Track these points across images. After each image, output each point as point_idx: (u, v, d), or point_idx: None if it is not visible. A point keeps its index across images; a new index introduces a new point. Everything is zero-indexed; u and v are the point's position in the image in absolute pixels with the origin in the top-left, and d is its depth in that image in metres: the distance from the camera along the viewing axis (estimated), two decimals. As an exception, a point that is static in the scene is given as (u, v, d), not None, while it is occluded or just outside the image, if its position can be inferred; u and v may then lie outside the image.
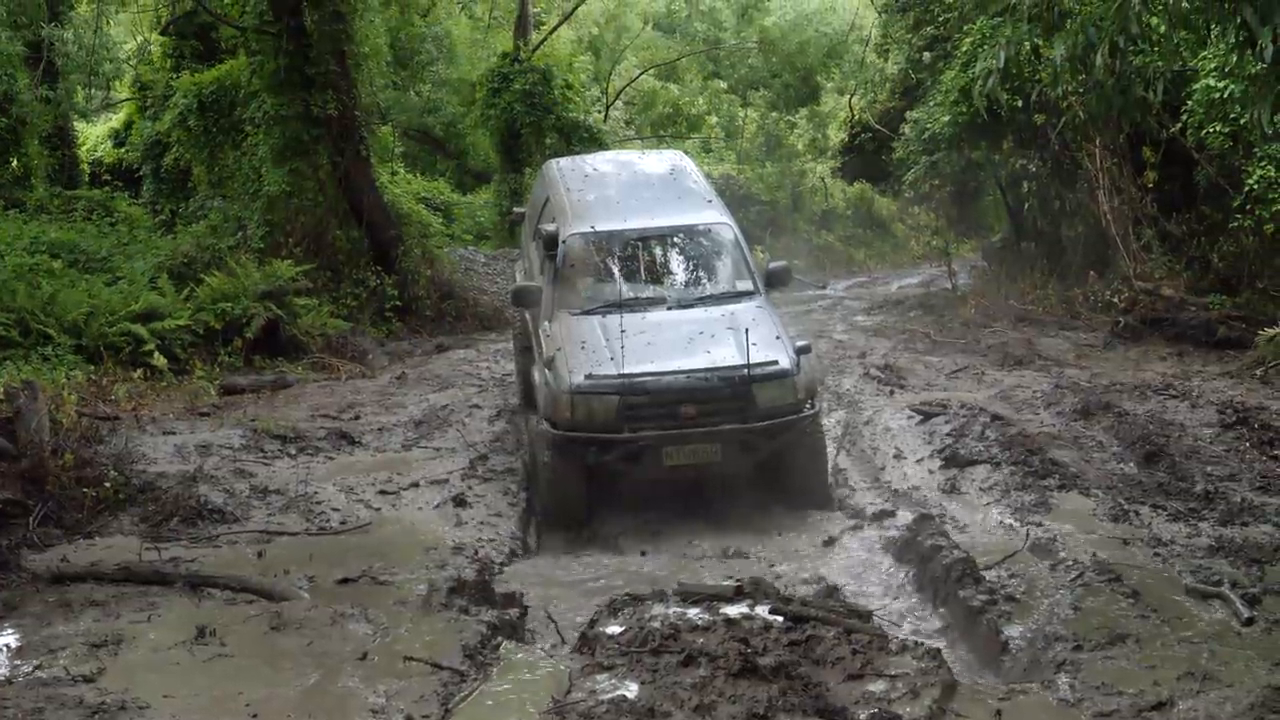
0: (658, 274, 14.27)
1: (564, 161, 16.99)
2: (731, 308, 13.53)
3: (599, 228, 14.20)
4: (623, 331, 12.77)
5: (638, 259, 14.25)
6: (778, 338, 13.00)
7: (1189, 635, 8.46)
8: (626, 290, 13.70)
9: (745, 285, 14.07)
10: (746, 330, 12.55)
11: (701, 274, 14.40)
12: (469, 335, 24.62)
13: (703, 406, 12.36)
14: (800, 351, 12.83)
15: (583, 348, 12.80)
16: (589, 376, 12.40)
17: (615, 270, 13.96)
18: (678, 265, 14.53)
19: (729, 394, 12.41)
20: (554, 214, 14.84)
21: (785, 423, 12.53)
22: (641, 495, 12.78)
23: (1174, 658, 7.92)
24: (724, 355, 12.62)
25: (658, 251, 14.53)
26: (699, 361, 12.61)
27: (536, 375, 13.52)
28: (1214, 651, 8.02)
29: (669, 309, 13.59)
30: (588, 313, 13.44)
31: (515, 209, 20.81)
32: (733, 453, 12.44)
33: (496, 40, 43.35)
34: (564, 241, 14.10)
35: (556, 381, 12.56)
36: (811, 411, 12.89)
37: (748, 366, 12.32)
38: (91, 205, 28.00)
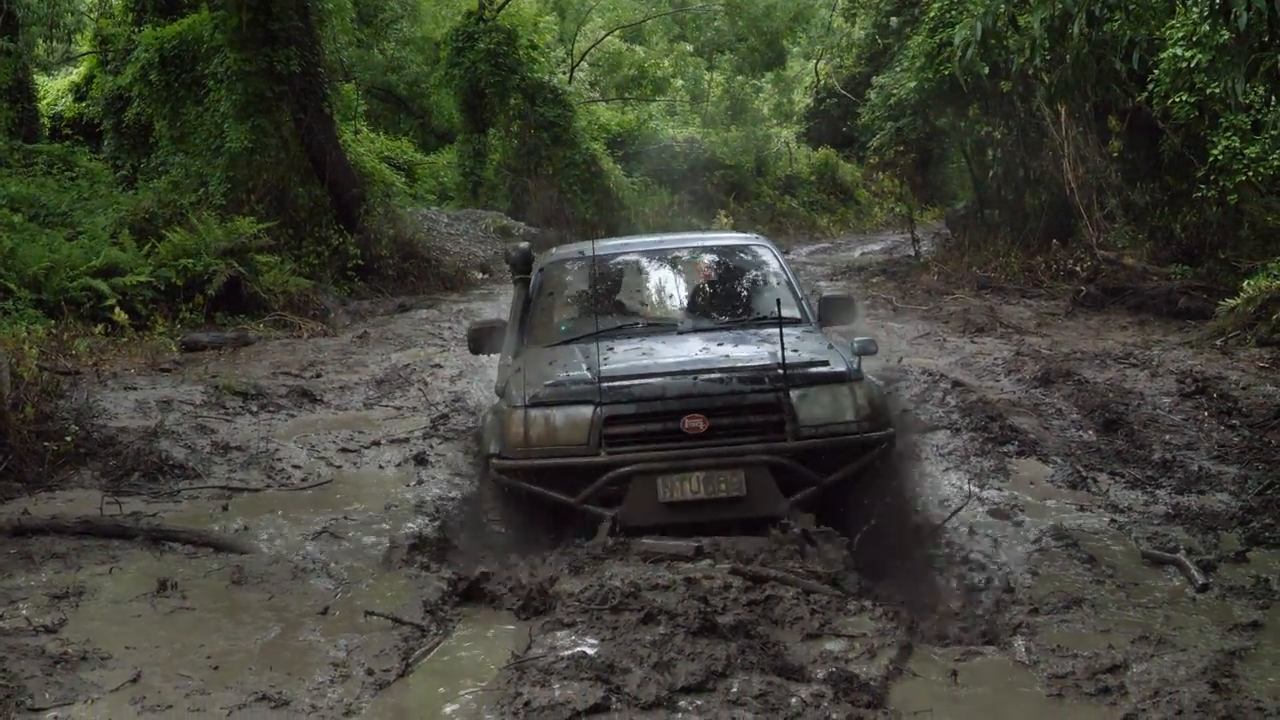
0: (666, 297, 11.13)
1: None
2: (768, 331, 9.85)
3: (588, 253, 11.06)
4: (610, 349, 9.60)
5: (640, 282, 11.22)
6: (830, 347, 9.74)
7: (1144, 600, 8.53)
8: (621, 317, 10.57)
9: (789, 312, 10.27)
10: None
11: (728, 297, 11.07)
12: (431, 295, 24.63)
13: (717, 420, 8.87)
14: (861, 352, 9.50)
15: (550, 365, 9.61)
16: (551, 384, 9.14)
17: (608, 295, 10.86)
18: (694, 287, 11.18)
19: (755, 403, 8.95)
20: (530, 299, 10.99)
21: (840, 444, 9.01)
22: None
23: (1129, 622, 7.98)
24: (750, 355, 9.39)
25: (667, 274, 11.28)
26: (713, 360, 9.28)
27: (488, 418, 10.12)
28: (1168, 617, 8.09)
29: (680, 333, 10.24)
30: (566, 343, 10.22)
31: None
32: (762, 486, 8.80)
33: (461, -1, 43.25)
34: (541, 269, 11.07)
35: (507, 401, 9.37)
36: (882, 434, 9.22)
37: (783, 366, 8.95)
38: (52, 160, 27.82)
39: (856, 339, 9.76)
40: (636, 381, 9.06)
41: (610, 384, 8.97)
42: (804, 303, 10.76)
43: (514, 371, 9.78)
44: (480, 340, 11.07)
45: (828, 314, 10.76)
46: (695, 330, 10.26)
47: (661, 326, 10.43)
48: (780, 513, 8.73)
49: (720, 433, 8.87)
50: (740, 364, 9.20)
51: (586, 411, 8.90)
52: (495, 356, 11.47)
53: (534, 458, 8.96)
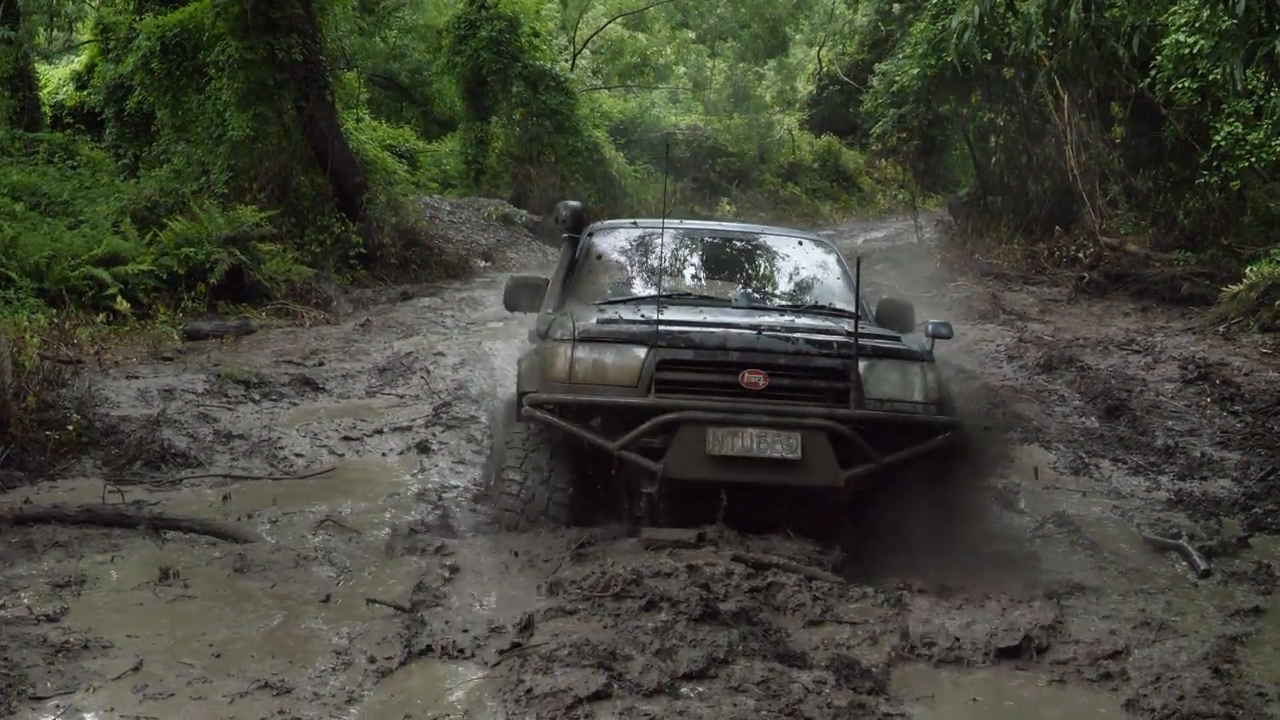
0: (723, 274, 10.61)
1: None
2: (828, 322, 9.36)
3: (641, 224, 10.92)
4: (665, 308, 8.87)
5: (696, 258, 10.71)
6: (899, 333, 9.47)
7: (1146, 586, 8.56)
8: (674, 285, 10.03)
9: (850, 309, 9.76)
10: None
11: (786, 283, 10.65)
12: (434, 283, 24.63)
13: (778, 379, 8.43)
14: (935, 335, 9.20)
15: (600, 311, 9.20)
16: (604, 321, 8.79)
17: (660, 265, 10.21)
18: (753, 268, 10.75)
19: (822, 366, 8.52)
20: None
21: (906, 423, 8.56)
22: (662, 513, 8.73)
23: (1130, 608, 8.00)
24: (817, 324, 9.08)
25: (725, 253, 10.87)
26: (779, 323, 8.91)
27: (523, 362, 9.73)
28: (1170, 602, 8.12)
29: (735, 307, 9.67)
30: (613, 304, 9.65)
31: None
32: (819, 452, 8.28)
33: (464, -14, 43.20)
34: (591, 232, 10.79)
35: (551, 337, 8.92)
36: (950, 420, 8.77)
37: (854, 334, 8.56)
38: (53, 148, 27.77)
39: (931, 321, 9.41)
40: (696, 329, 8.59)
41: (668, 327, 8.49)
42: (864, 305, 9.99)
43: (560, 314, 9.30)
44: (518, 296, 10.40)
45: (886, 316, 10.38)
46: (751, 308, 9.66)
47: (715, 301, 9.88)
48: (835, 484, 8.31)
49: (780, 393, 8.41)
50: (807, 325, 8.87)
51: (640, 352, 8.44)
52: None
53: (577, 394, 8.48)
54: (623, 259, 10.60)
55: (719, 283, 10.41)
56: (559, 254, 10.96)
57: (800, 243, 11.14)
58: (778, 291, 10.45)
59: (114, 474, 10.85)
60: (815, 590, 7.75)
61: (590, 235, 10.76)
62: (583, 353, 8.52)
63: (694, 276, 10.47)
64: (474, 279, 25.66)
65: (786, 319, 9.14)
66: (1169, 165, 22.03)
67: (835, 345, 8.55)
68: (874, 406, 8.47)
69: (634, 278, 10.32)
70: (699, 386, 8.43)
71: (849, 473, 8.31)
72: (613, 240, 10.79)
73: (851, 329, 8.66)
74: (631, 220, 11.36)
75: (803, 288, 10.53)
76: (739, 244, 10.97)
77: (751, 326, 8.67)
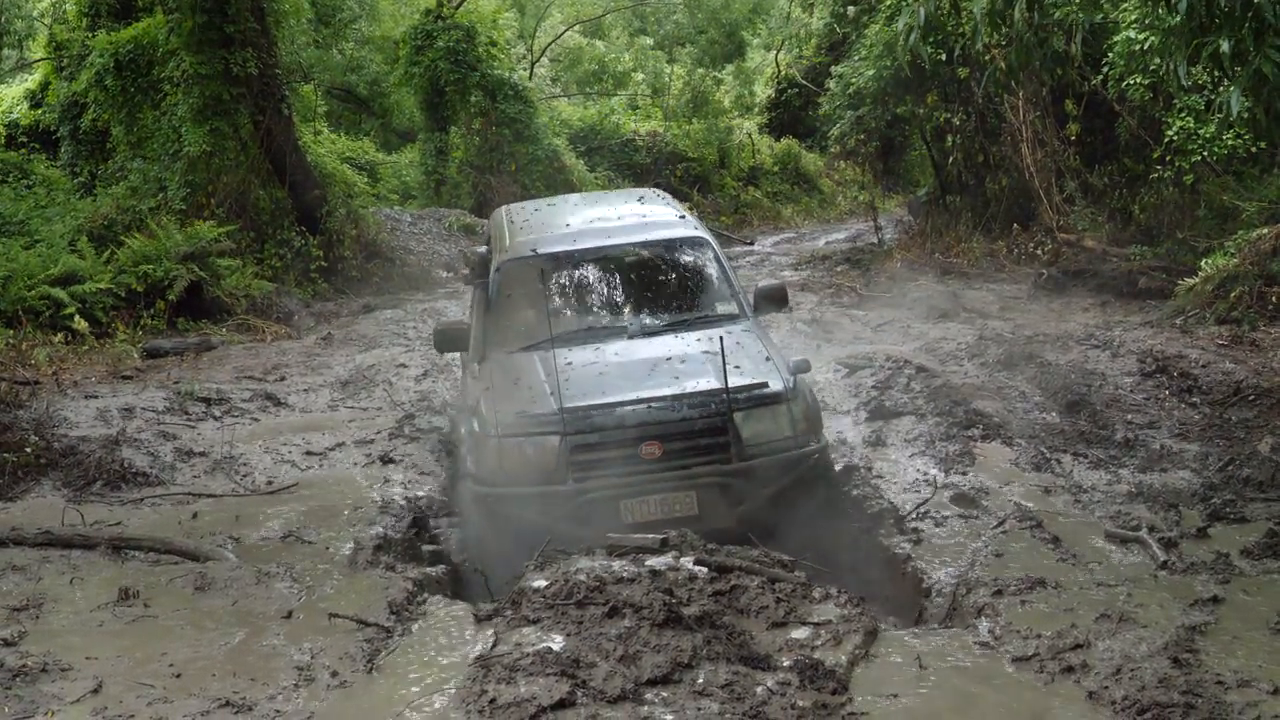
0: (615, 300, 11.69)
1: (514, 205, 14.27)
2: (711, 332, 10.70)
3: (541, 250, 11.69)
4: (569, 364, 10.42)
5: (590, 284, 11.79)
6: (768, 359, 10.56)
7: (1107, 579, 8.58)
8: (576, 321, 11.31)
9: (729, 308, 11.53)
10: (722, 341, 10.08)
11: (672, 297, 11.78)
12: (395, 295, 24.54)
13: (669, 445, 9.78)
14: (797, 370, 10.45)
15: (516, 385, 10.42)
16: (521, 415, 9.92)
17: (561, 300, 11.51)
18: (641, 288, 11.79)
19: (704, 427, 9.88)
20: (494, 251, 12.22)
21: (780, 461, 9.98)
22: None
23: (1092, 601, 8.03)
24: (697, 381, 10.17)
25: (615, 274, 11.85)
26: (663, 389, 10.09)
27: (462, 426, 11.22)
28: (1130, 594, 8.15)
29: (630, 338, 11.00)
30: (527, 349, 10.93)
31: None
32: (714, 503, 9.73)
33: (419, -3, 43.11)
34: (498, 269, 11.67)
35: (481, 426, 10.22)
36: (816, 446, 10.28)
37: (726, 391, 9.84)
38: (8, 168, 27.57)
39: (793, 359, 10.63)
40: (597, 411, 9.86)
41: (574, 414, 9.76)
42: (740, 297, 11.63)
43: (483, 390, 10.53)
44: (446, 340, 11.76)
45: (762, 303, 11.71)
46: (643, 333, 11.06)
47: (611, 330, 11.15)
48: (729, 525, 9.60)
49: (673, 456, 9.78)
50: (689, 391, 10.00)
51: (554, 442, 9.73)
52: (459, 356, 11.88)
53: (510, 485, 9.75)
54: (527, 298, 11.47)
55: (612, 311, 11.57)
56: (471, 298, 12.04)
57: (677, 244, 12.09)
58: (667, 311, 11.54)
59: (74, 495, 10.80)
60: (778, 592, 7.77)
61: (498, 270, 11.70)
62: (509, 444, 9.84)
63: (590, 307, 11.62)
64: (436, 290, 25.60)
65: (672, 371, 10.29)
66: (1124, 161, 22.10)
67: (714, 406, 9.88)
68: (752, 449, 9.91)
69: (538, 318, 11.19)
70: (608, 462, 9.74)
71: (739, 511, 9.76)
72: (516, 275, 11.64)
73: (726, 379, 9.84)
74: (529, 246, 11.91)
75: (686, 297, 11.78)
76: (628, 259, 11.88)
77: (644, 394, 9.97)
